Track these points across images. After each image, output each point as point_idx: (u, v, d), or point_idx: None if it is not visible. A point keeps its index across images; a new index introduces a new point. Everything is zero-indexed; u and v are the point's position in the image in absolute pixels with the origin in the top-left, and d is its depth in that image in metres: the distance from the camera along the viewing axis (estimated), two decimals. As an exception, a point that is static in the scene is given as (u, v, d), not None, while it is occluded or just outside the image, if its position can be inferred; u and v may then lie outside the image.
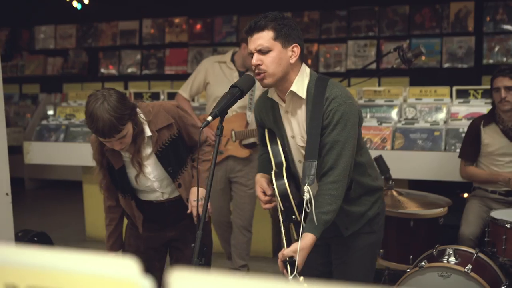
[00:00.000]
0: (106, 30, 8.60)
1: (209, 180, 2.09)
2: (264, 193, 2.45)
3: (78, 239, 5.75)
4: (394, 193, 3.37)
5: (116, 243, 2.84)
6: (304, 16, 7.49)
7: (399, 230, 3.60)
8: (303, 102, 2.33)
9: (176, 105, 2.72)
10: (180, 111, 2.70)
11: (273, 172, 2.40)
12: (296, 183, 2.46)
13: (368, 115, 4.84)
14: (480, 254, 3.24)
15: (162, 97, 6.06)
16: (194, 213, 2.59)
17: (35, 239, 4.30)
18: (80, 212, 5.93)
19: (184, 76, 8.13)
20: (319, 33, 7.44)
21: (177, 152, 2.68)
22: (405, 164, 4.35)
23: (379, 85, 6.74)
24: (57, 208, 7.11)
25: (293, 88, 2.31)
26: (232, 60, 4.20)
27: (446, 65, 6.88)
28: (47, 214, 6.77)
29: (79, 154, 5.50)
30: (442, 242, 3.41)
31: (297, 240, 2.18)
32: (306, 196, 2.13)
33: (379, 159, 3.74)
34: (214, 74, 4.18)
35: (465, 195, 4.74)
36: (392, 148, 4.48)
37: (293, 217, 2.32)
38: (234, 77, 4.05)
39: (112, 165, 2.62)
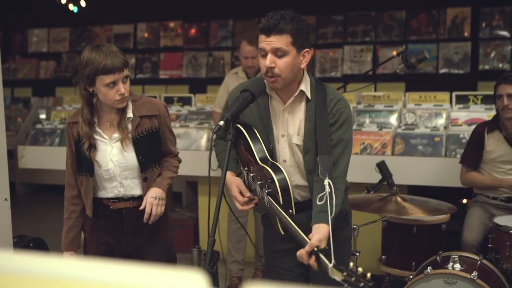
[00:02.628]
0: (100, 33, 8.54)
1: (220, 187, 2.05)
2: (242, 194, 2.41)
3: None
4: (399, 199, 3.34)
5: (75, 240, 2.70)
6: (300, 21, 7.47)
7: (402, 236, 3.58)
8: (303, 101, 2.38)
9: (165, 104, 2.75)
10: (166, 112, 2.73)
11: (267, 167, 2.34)
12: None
13: (368, 120, 4.81)
14: (484, 261, 3.22)
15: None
16: (148, 209, 2.55)
17: (31, 244, 4.23)
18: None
19: (179, 81, 8.10)
20: (315, 38, 7.42)
21: (153, 146, 2.66)
22: (406, 170, 4.32)
23: (375, 91, 6.73)
24: (51, 213, 6.99)
25: (303, 87, 2.36)
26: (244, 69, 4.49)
27: (442, 71, 6.88)
28: (40, 219, 6.68)
29: (75, 158, 5.43)
30: (444, 249, 3.39)
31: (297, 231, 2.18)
32: (328, 189, 2.15)
33: (382, 165, 3.72)
34: (233, 85, 4.43)
35: (464, 201, 4.73)
36: (393, 154, 4.46)
37: (290, 211, 2.30)
38: None
39: (92, 146, 2.58)
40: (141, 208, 2.58)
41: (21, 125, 8.32)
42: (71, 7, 7.62)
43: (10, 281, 0.58)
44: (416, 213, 3.20)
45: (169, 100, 5.73)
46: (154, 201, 2.58)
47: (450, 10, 6.80)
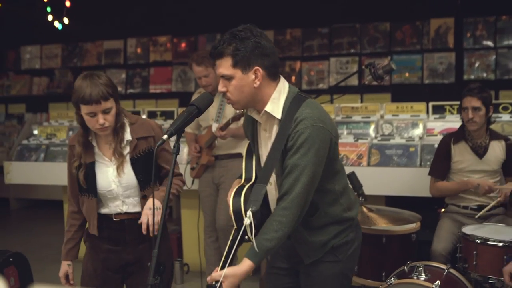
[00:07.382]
0: (91, 49, 8.63)
1: (165, 199, 2.09)
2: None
3: (58, 259, 5.69)
4: (364, 209, 3.37)
5: (72, 251, 2.84)
6: (286, 33, 7.53)
7: (371, 246, 3.58)
8: (277, 122, 2.23)
9: (160, 126, 2.85)
10: (161, 133, 2.78)
11: (235, 188, 2.35)
12: (263, 202, 2.33)
13: (345, 132, 4.85)
14: (452, 270, 3.22)
15: (143, 116, 6.06)
16: (144, 220, 2.56)
17: (11, 259, 4.26)
18: (60, 232, 5.88)
19: (168, 95, 8.16)
20: (301, 50, 7.49)
21: (150, 166, 2.70)
22: (381, 180, 4.35)
23: (362, 101, 6.77)
24: (39, 228, 7.07)
25: (268, 108, 2.22)
26: None
27: (427, 81, 6.91)
28: (28, 234, 6.72)
29: (59, 173, 5.47)
30: (415, 258, 3.40)
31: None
32: (246, 221, 2.07)
33: (352, 176, 3.73)
34: None
35: (443, 210, 4.74)
36: (368, 165, 4.49)
37: (246, 237, 2.22)
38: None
39: (81, 166, 2.67)
40: (139, 222, 2.61)
41: (15, 141, 8.39)
42: (56, 24, 7.70)
43: None
44: (380, 223, 3.23)
45: (152, 115, 5.79)
46: (149, 211, 2.58)
47: (434, 21, 6.85)
